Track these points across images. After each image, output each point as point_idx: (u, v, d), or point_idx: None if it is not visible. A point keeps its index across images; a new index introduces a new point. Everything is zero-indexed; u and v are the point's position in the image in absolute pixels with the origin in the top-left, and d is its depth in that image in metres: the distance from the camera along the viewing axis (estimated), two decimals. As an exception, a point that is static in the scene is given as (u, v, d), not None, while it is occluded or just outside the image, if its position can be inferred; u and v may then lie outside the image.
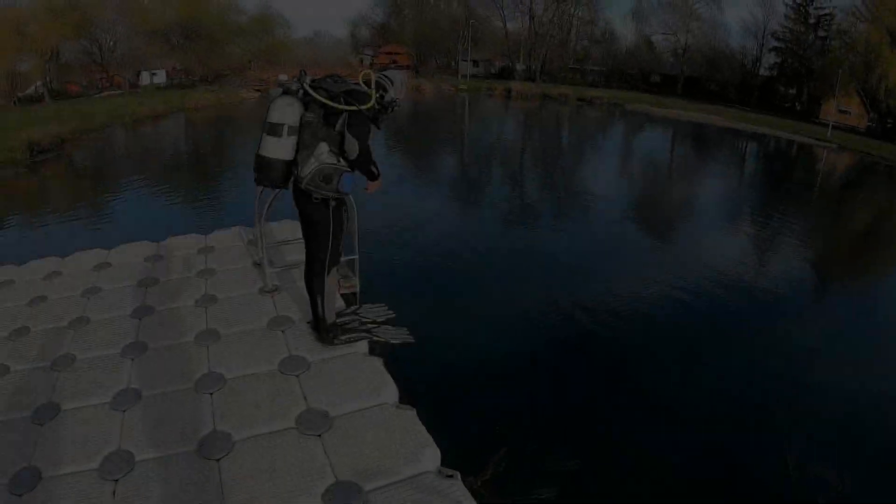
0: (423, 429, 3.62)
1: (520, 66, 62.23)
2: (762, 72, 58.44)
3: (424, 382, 6.24)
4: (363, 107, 4.03)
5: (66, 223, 13.01)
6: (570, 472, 5.10)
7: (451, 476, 3.36)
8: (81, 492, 3.19)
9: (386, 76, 4.45)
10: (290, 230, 7.28)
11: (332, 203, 4.26)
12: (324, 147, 4.12)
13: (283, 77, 42.02)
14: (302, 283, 4.76)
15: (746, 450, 5.75)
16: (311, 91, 4.07)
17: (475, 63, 64.39)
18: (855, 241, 15.92)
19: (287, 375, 4.19)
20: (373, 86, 4.16)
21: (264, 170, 4.17)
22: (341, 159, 4.17)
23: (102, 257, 6.85)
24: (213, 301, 5.49)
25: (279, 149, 4.09)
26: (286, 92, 4.23)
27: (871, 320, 9.56)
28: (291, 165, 4.16)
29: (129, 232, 10.20)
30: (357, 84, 4.21)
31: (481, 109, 38.45)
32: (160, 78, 51.98)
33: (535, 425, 5.83)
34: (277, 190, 4.70)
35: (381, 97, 4.28)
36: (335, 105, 4.04)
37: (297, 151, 4.11)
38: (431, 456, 3.43)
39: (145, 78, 51.43)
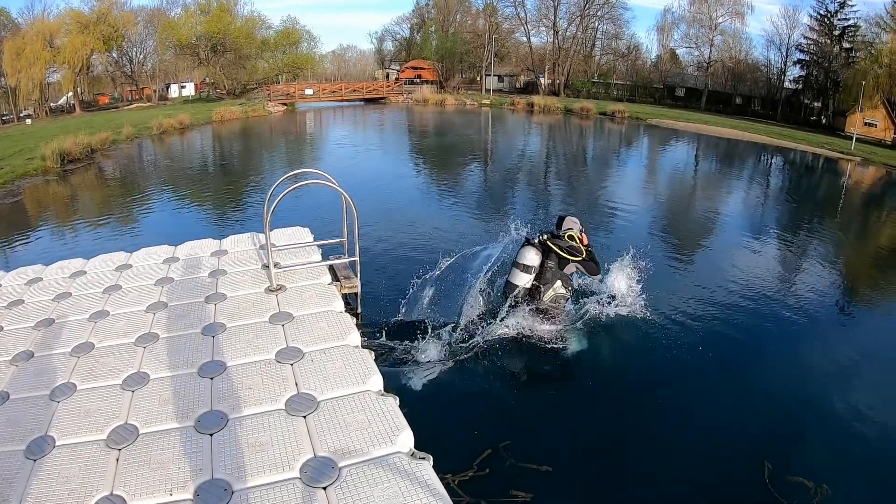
0: (400, 415, 3.95)
1: (544, 81, 62.38)
2: (787, 84, 57.92)
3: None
4: (580, 257, 7.46)
5: (93, 228, 13.63)
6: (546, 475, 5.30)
7: (423, 458, 3.66)
8: (90, 457, 3.60)
9: (573, 236, 7.59)
10: (297, 236, 7.78)
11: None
12: (559, 283, 7.57)
13: (309, 91, 42.68)
14: (304, 283, 5.48)
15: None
16: (554, 247, 7.42)
17: (499, 78, 64.66)
18: (880, 256, 15.89)
19: (282, 364, 4.58)
20: (577, 242, 7.54)
21: (511, 289, 7.57)
22: (568, 289, 7.69)
23: (124, 259, 7.40)
24: (222, 298, 5.92)
25: (524, 280, 7.52)
26: (529, 243, 7.52)
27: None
28: (528, 290, 7.59)
29: (151, 236, 10.70)
30: (571, 243, 7.48)
31: (500, 124, 38.62)
32: (189, 91, 53.17)
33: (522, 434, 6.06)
34: (277, 202, 5.96)
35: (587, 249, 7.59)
36: (570, 258, 7.42)
37: (537, 281, 7.55)
38: (405, 439, 3.74)
39: (174, 91, 52.65)
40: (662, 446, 5.95)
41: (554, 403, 6.70)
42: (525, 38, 65.65)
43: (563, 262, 7.50)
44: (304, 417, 3.93)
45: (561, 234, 7.63)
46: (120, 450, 3.67)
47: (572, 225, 7.73)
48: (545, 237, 7.52)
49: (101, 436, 3.81)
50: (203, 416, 3.97)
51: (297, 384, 4.31)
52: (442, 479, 3.48)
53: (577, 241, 7.55)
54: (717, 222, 16.60)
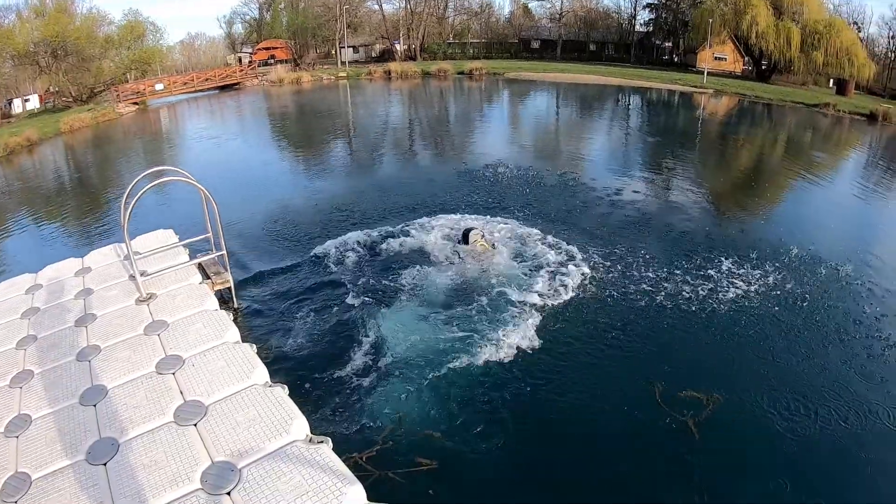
0: (291, 403, 3.97)
1: (400, 47, 62.03)
2: (638, 28, 60.61)
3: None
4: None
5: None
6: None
7: (321, 442, 3.69)
8: (-22, 517, 3.40)
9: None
10: (161, 239, 7.47)
11: None
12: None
13: (159, 86, 40.46)
14: (174, 287, 5.05)
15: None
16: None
17: (355, 49, 63.65)
18: (740, 174, 17.36)
19: (164, 374, 4.47)
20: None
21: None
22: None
23: (-21, 296, 6.81)
24: (93, 319, 5.64)
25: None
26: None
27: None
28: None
29: (9, 267, 9.96)
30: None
31: (360, 95, 37.98)
32: (33, 103, 49.04)
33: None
34: (133, 204, 5.42)
35: None
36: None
37: None
38: (299, 426, 3.78)
39: (17, 105, 48.39)
40: (556, 388, 6.24)
41: (449, 365, 6.73)
42: (377, 7, 64.81)
43: None
44: (195, 425, 3.88)
45: (470, 243, 9.53)
46: (16, 502, 3.49)
47: (476, 237, 9.59)
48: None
49: (-12, 491, 3.59)
50: (93, 446, 3.83)
51: (182, 393, 4.22)
52: (349, 458, 3.54)
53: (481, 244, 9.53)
54: (586, 164, 17.34)
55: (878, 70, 47.52)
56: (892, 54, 54.92)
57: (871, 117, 30.94)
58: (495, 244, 9.78)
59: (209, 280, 6.43)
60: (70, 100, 43.09)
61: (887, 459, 5.36)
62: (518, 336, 6.94)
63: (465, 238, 9.74)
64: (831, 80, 45.00)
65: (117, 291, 6.15)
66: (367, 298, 7.88)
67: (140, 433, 3.88)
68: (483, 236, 9.74)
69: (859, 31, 51.35)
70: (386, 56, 62.41)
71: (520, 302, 7.80)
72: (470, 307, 7.67)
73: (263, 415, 3.85)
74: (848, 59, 41.47)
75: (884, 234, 12.41)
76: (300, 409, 3.98)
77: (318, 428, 4.57)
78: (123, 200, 6.26)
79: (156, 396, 4.21)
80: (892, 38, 55.24)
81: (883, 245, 11.12)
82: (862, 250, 10.39)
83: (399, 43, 62.32)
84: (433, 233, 10.25)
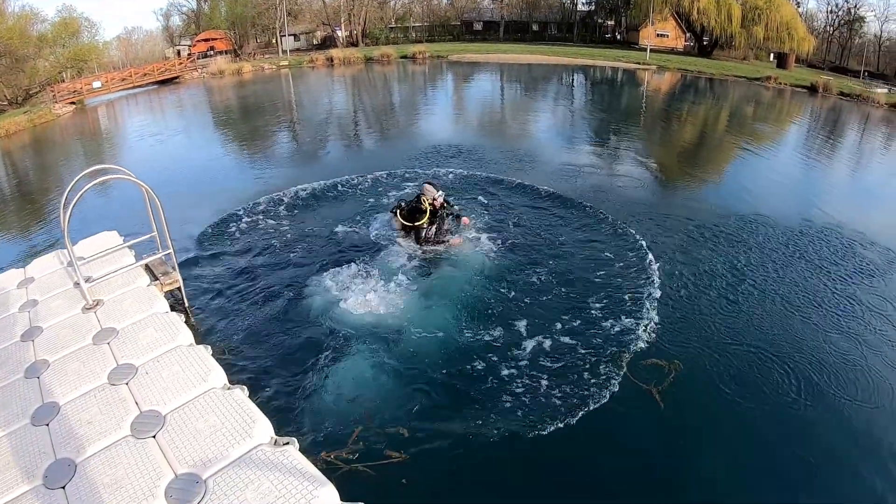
0: (251, 405, 3.84)
1: (341, 34, 61.18)
2: (580, 7, 61.12)
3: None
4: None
5: None
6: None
7: (287, 444, 3.59)
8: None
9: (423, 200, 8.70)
10: (105, 242, 7.17)
11: None
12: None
13: (97, 84, 39.05)
14: (121, 291, 4.87)
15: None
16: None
17: (295, 37, 62.53)
18: (686, 144, 17.74)
19: (117, 385, 4.27)
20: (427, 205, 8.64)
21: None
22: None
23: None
24: (39, 332, 5.36)
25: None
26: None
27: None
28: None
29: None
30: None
31: (303, 83, 37.25)
32: (-35, 110, 46.85)
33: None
34: (72, 205, 5.27)
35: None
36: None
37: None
38: (263, 428, 3.66)
39: (-50, 113, 46.09)
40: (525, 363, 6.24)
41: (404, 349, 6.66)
42: (317, -7, 63.79)
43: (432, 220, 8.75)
44: (154, 437, 3.72)
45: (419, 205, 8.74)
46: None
47: (427, 193, 8.83)
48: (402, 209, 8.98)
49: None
50: (49, 468, 3.62)
51: (137, 403, 4.05)
52: (317, 459, 3.44)
53: (429, 205, 8.64)
54: (533, 143, 17.40)
55: (818, 44, 49.09)
56: (831, 28, 56.76)
57: (812, 89, 31.97)
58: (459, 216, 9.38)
59: (157, 281, 6.20)
60: (5, 103, 41.29)
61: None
62: (482, 323, 6.91)
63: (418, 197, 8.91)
64: (772, 55, 46.22)
65: (62, 301, 5.87)
66: (323, 289, 7.72)
67: (97, 451, 3.69)
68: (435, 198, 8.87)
69: (798, 6, 52.88)
70: (328, 43, 61.50)
71: (483, 284, 7.81)
72: (429, 288, 7.66)
73: (224, 420, 3.72)
74: (788, 34, 42.69)
75: (827, 194, 12.98)
76: (262, 410, 3.86)
77: (282, 428, 4.45)
78: (62, 203, 5.96)
79: (110, 409, 4.01)
80: (831, 12, 57.15)
81: (827, 204, 11.74)
82: (805, 210, 11.12)
83: (340, 29, 61.44)
84: (379, 219, 10.10)
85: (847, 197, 13.18)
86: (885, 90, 33.59)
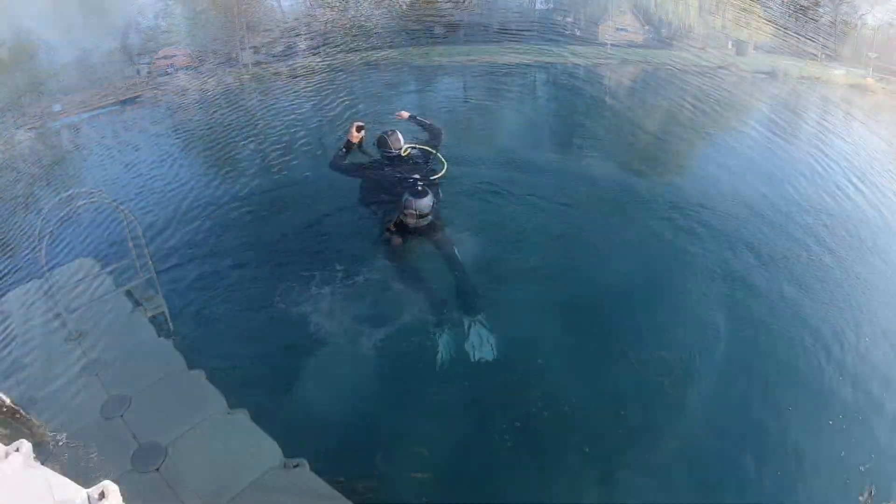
0: (256, 428, 3.69)
1: (302, 43, 61.05)
2: (539, 6, 61.63)
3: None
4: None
5: None
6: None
7: (297, 465, 3.44)
8: None
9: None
10: (82, 269, 6.88)
11: None
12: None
13: (57, 107, 38.35)
14: (104, 320, 4.86)
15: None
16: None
17: (255, 50, 62.29)
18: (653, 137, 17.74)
19: (111, 419, 4.05)
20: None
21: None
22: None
23: None
24: (21, 368, 5.12)
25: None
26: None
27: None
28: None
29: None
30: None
31: (267, 94, 37.00)
32: (-83, 144, 45.62)
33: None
34: (49, 231, 4.80)
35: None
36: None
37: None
38: (271, 451, 3.50)
39: None
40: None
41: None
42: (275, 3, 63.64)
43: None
44: (157, 470, 3.53)
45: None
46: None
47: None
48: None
49: None
50: (46, 509, 3.41)
51: (134, 436, 3.84)
52: (331, 479, 3.29)
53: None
54: (498, 143, 17.25)
55: (775, 30, 49.89)
56: (788, 15, 57.90)
57: (772, 75, 32.54)
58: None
59: (141, 307, 5.97)
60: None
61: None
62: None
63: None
64: (730, 43, 46.95)
65: (41, 333, 5.60)
66: (316, 299, 7.52)
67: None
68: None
69: (756, -6, 53.77)
70: (288, 52, 61.12)
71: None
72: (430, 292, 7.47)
73: (231, 446, 3.57)
74: (746, 22, 43.32)
75: (793, 173, 13.10)
76: (267, 432, 3.70)
77: (290, 449, 4.28)
78: (38, 233, 5.72)
79: (106, 444, 3.81)
80: (788, -2, 58.29)
81: (794, 184, 11.73)
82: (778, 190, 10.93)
83: (300, 38, 61.09)
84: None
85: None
86: (843, 72, 34.34)
